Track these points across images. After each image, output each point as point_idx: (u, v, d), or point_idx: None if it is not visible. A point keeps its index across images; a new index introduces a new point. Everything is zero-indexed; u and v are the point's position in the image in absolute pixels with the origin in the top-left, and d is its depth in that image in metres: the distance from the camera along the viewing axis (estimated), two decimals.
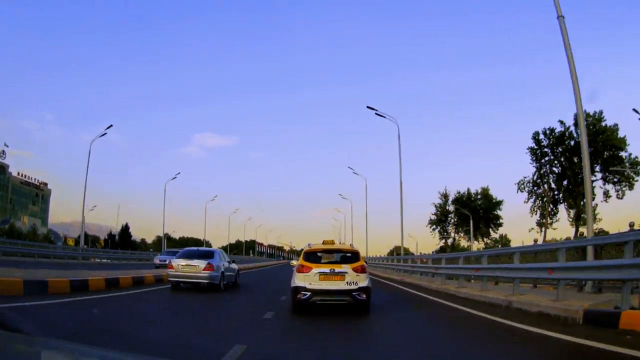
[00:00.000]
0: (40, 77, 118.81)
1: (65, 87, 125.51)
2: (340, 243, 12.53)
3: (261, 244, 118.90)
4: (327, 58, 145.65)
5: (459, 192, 63.76)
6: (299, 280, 8.65)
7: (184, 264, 13.48)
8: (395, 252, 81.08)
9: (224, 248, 73.23)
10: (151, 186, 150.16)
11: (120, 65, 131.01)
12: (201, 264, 13.42)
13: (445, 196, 65.26)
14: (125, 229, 76.87)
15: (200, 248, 18.89)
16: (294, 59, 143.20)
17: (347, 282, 8.53)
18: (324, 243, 9.81)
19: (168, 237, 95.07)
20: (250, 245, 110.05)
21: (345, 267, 8.69)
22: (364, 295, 8.52)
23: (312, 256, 9.13)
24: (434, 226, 65.18)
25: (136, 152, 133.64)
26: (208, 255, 14.24)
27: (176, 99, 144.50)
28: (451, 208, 64.06)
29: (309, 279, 8.58)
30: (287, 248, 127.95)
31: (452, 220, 64.82)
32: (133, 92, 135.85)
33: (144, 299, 11.24)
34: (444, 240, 64.81)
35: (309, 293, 8.47)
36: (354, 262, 8.87)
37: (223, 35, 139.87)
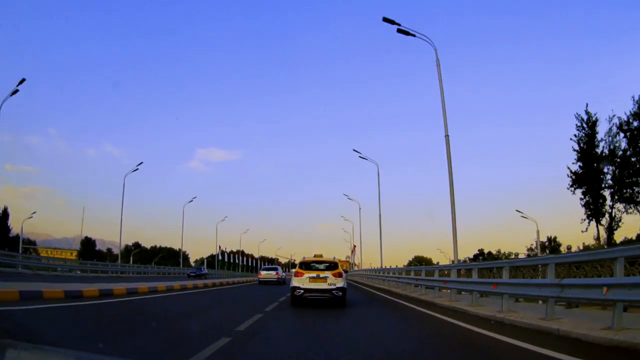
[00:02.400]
0: (45, 91, 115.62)
1: (68, 101, 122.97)
2: (356, 258, 18.30)
3: (250, 256, 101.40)
4: (329, 71, 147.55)
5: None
6: (295, 282, 12.00)
7: (265, 273, 30.39)
8: (419, 262, 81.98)
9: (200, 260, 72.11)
10: (137, 197, 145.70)
11: (121, 79, 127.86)
12: (273, 272, 30.08)
13: (590, 122, 29.16)
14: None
15: (272, 265, 40.26)
16: (298, 72, 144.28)
17: (328, 284, 11.74)
18: (314, 256, 13.28)
19: (138, 245, 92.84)
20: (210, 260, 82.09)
21: (327, 273, 11.92)
22: (340, 293, 11.75)
23: (305, 265, 12.44)
24: (577, 187, 29.53)
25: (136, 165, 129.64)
26: (276, 269, 31.54)
27: (179, 112, 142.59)
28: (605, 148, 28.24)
29: (302, 281, 11.84)
30: (283, 260, 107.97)
31: (616, 172, 27.79)
32: (132, 106, 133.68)
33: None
34: (592, 220, 29.00)
35: (302, 291, 11.75)
36: (334, 270, 12.12)
37: (224, 48, 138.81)
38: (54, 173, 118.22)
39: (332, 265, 12.34)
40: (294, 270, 13.09)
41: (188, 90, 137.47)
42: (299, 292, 11.74)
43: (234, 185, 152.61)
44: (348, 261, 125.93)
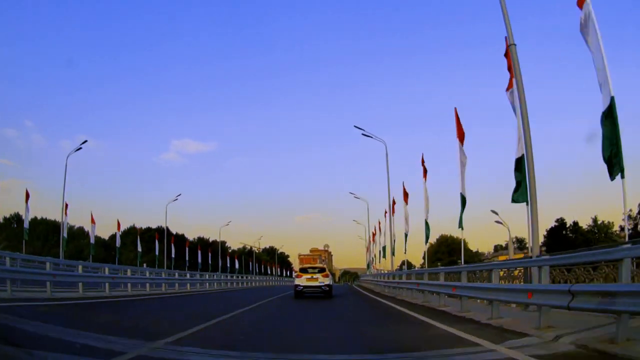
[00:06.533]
0: (20, 82, 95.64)
1: (44, 92, 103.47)
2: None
3: (180, 237, 64.08)
4: (308, 57, 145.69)
5: None
6: (297, 281, 17.85)
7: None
8: (445, 248, 70.66)
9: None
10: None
11: (94, 69, 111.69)
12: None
13: None
14: None
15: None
16: (273, 59, 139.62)
17: (319, 282, 17.31)
18: (309, 260, 24.81)
19: (19, 219, 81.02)
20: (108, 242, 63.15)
21: (318, 275, 17.56)
22: (328, 288, 17.32)
23: (303, 270, 18.39)
24: None
25: (113, 160, 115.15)
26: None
27: (152, 103, 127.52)
28: None
29: (301, 281, 17.49)
30: (238, 244, 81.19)
31: None
32: (106, 98, 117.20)
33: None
34: None
35: (302, 287, 17.34)
36: (323, 272, 17.89)
37: (200, 36, 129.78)
38: (29, 165, 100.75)
39: (321, 269, 18.24)
40: None
41: (158, 79, 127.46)
42: (300, 288, 17.28)
43: (211, 176, 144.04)
44: (326, 250, 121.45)
